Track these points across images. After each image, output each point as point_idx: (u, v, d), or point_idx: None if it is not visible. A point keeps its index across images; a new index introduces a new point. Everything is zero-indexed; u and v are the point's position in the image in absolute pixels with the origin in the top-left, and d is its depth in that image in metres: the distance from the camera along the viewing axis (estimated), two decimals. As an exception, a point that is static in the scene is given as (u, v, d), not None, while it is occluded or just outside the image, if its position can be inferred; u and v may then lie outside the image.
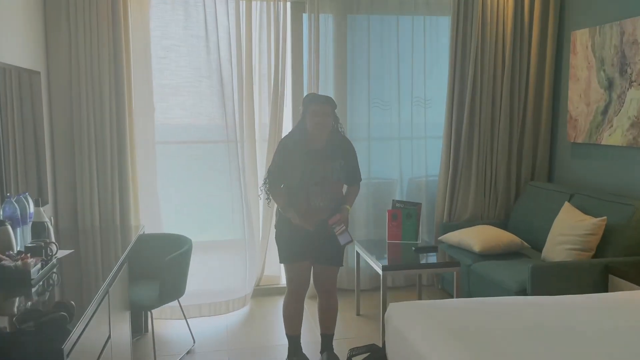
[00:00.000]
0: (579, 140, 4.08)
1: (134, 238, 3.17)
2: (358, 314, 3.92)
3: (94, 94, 3.60)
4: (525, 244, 3.83)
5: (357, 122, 4.27)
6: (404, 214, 3.80)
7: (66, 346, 1.60)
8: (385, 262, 3.33)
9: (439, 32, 4.37)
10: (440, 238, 4.15)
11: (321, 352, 3.12)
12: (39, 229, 2.65)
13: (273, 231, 4.15)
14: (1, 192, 2.66)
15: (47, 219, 2.70)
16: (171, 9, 3.79)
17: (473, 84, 4.25)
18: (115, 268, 2.52)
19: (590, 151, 4.02)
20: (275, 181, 2.95)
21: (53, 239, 2.58)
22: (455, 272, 3.29)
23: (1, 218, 2.44)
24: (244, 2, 3.93)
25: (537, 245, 3.88)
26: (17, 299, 2.04)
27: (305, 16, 4.13)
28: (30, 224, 2.61)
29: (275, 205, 3.11)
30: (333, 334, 3.13)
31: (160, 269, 3.07)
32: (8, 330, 1.73)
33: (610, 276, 3.12)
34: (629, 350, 1.97)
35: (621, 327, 2.18)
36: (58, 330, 1.67)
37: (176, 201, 4.02)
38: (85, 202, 3.62)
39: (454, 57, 4.22)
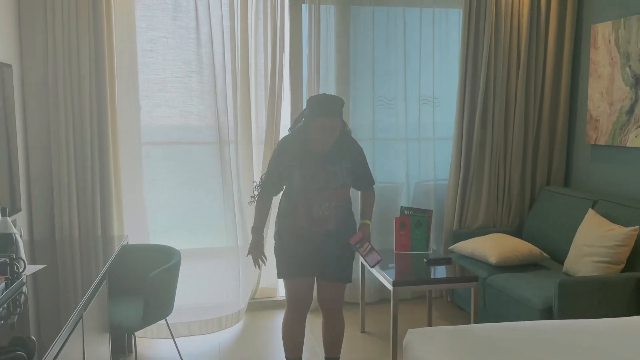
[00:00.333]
0: (601, 142, 3.78)
1: (116, 250, 2.83)
2: (363, 331, 3.59)
3: (72, 90, 3.26)
4: (545, 254, 3.53)
5: (361, 122, 3.96)
6: (413, 222, 3.49)
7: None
8: (396, 277, 3.00)
9: (449, 26, 4.06)
10: (451, 248, 3.83)
11: (325, 378, 2.80)
12: (5, 242, 2.31)
13: (269, 239, 3.89)
14: (-41, 200, 2.31)
15: (15, 230, 2.35)
16: (159, -3, 3.46)
17: (486, 81, 3.95)
18: (93, 287, 2.19)
19: (613, 154, 3.73)
20: (268, 190, 2.66)
21: (22, 254, 2.24)
22: (472, 288, 2.98)
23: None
24: (239, -9, 3.61)
25: (557, 256, 3.58)
26: (-33, 331, 1.70)
27: (305, 7, 3.81)
28: (-8, 237, 2.26)
29: (276, 214, 2.77)
30: (338, 358, 2.80)
31: (144, 284, 2.73)
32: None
33: (646, 292, 2.83)
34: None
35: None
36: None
37: (164, 208, 3.68)
38: (63, 210, 3.27)
39: (465, 52, 3.92)
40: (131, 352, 3.27)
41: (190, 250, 3.70)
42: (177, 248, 3.56)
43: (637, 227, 3.02)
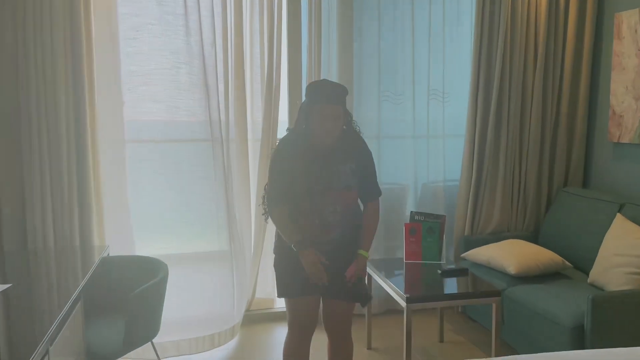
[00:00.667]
0: (625, 140, 3.49)
1: (93, 265, 2.50)
2: (369, 348, 3.28)
3: (45, 82, 2.90)
4: (567, 263, 3.23)
5: (365, 118, 3.63)
6: (425, 229, 3.18)
7: None
8: (410, 292, 2.69)
9: (460, 14, 3.75)
10: (463, 255, 3.53)
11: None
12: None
13: (266, 244, 3.60)
14: None
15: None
16: (143, -21, 3.11)
17: (501, 75, 3.64)
18: (63, 313, 1.87)
19: (639, 153, 3.44)
20: (278, 200, 2.30)
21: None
22: (494, 305, 2.67)
23: None
24: (232, -27, 3.27)
25: (580, 265, 3.29)
26: None
27: (304, -9, 3.48)
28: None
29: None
30: (346, 385, 2.49)
31: (126, 304, 2.40)
32: None
33: (689, 309, 2.54)
34: None
35: None
36: None
37: (150, 212, 3.33)
38: (36, 218, 2.92)
39: (479, 43, 3.61)
40: (113, 374, 2.94)
41: (179, 256, 3.37)
42: (165, 253, 3.26)
43: (675, 235, 2.73)
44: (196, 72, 3.18)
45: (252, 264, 3.61)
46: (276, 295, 2.44)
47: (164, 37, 3.10)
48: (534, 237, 3.72)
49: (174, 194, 3.32)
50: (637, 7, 3.39)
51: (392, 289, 2.82)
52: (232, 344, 3.36)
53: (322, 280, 2.24)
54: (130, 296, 2.36)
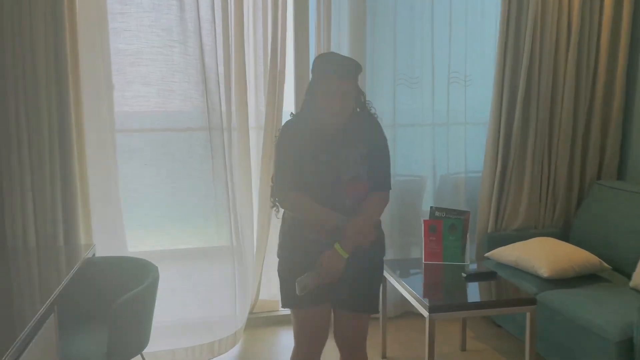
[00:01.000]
0: (668, 128, 3.14)
1: (73, 268, 2.21)
2: (384, 357, 2.98)
3: (24, 61, 2.59)
4: (605, 264, 2.90)
5: (379, 104, 3.14)
6: (446, 226, 2.85)
7: None
8: (432, 300, 2.37)
9: (485, -13, 3.41)
10: (487, 255, 3.20)
11: None
12: None
13: (271, 241, 3.29)
14: None
15: None
16: (132, -53, 2.78)
17: (530, 55, 3.29)
18: (33, 322, 1.59)
19: (686, 142, 3.09)
20: (291, 186, 1.98)
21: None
22: (528, 314, 2.35)
23: None
24: (232, -59, 2.94)
25: (620, 267, 2.96)
26: None
27: (312, -38, 3.15)
28: None
29: (280, 224, 2.13)
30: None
31: (109, 312, 2.10)
32: None
33: None
34: None
35: None
36: None
37: (143, 207, 3.02)
38: (15, 214, 2.62)
39: (506, 19, 3.26)
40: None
41: (174, 253, 3.09)
42: (160, 249, 3.02)
43: None
44: (192, 52, 2.86)
45: (256, 262, 3.31)
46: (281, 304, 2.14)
47: (155, 12, 2.77)
48: (564, 235, 3.39)
49: (167, 186, 3.01)
50: (685, -23, 3.02)
51: (411, 295, 2.51)
52: (234, 351, 3.07)
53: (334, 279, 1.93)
54: (114, 305, 2.07)
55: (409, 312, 3.41)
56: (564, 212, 3.50)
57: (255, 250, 3.30)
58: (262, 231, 3.26)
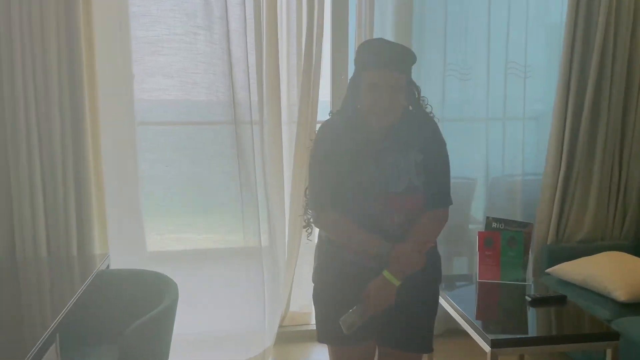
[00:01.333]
0: None
1: (86, 282, 1.96)
2: (429, 385, 2.64)
3: (33, 50, 2.34)
4: (691, 286, 2.49)
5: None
6: (505, 240, 2.49)
7: None
8: (494, 331, 2.02)
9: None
10: (548, 271, 2.83)
11: None
12: None
13: (303, 247, 3.00)
14: None
15: None
16: None
17: (603, 44, 2.87)
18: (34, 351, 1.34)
19: None
20: (326, 205, 1.66)
21: None
22: (609, 351, 1.98)
23: None
24: None
25: None
26: None
27: (353, -63, 2.80)
28: None
29: (316, 240, 1.82)
30: None
31: (120, 338, 1.84)
32: None
33: None
34: None
35: None
36: None
37: (164, 207, 2.76)
38: (24, 221, 2.40)
39: (575, 4, 2.84)
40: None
41: (195, 253, 2.84)
42: (181, 248, 2.76)
43: None
44: (218, 39, 2.55)
45: (287, 268, 3.01)
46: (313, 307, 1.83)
47: (177, -6, 2.47)
48: (635, 248, 2.98)
49: (190, 184, 2.74)
50: None
51: (464, 319, 2.18)
52: (261, 372, 2.79)
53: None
54: (125, 333, 1.80)
55: (453, 331, 3.05)
56: (634, 222, 3.09)
57: (286, 255, 3.00)
58: (293, 235, 2.96)
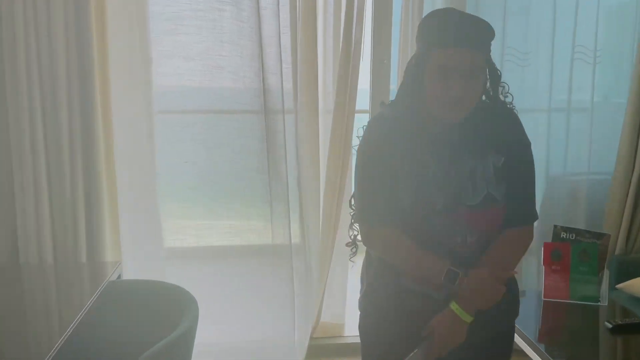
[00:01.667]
0: None
1: (92, 297, 1.69)
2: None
3: (37, 28, 2.06)
4: None
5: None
6: (576, 252, 2.15)
7: None
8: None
9: None
10: (619, 286, 2.46)
11: None
12: None
13: (338, 247, 2.70)
14: None
15: None
16: None
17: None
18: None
19: None
20: (378, 219, 1.35)
21: None
22: None
23: None
24: None
25: None
26: None
27: None
28: None
29: (363, 258, 1.51)
30: None
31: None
32: None
33: None
34: None
35: None
36: None
37: (184, 201, 2.48)
38: (29, 224, 2.14)
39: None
40: None
41: (216, 253, 2.58)
42: (202, 245, 2.49)
43: None
44: (246, 17, 2.24)
45: (320, 273, 2.71)
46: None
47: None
48: None
49: (213, 178, 2.45)
50: None
51: (530, 346, 1.86)
52: (291, 392, 2.51)
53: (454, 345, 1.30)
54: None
55: (518, 353, 2.71)
56: None
57: (318, 259, 2.69)
58: (327, 235, 2.64)
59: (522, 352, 1.93)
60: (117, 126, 2.26)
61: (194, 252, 2.59)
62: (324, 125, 2.64)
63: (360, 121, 2.77)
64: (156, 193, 2.38)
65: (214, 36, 2.22)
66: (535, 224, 1.40)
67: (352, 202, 1.44)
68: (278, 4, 2.26)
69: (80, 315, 1.62)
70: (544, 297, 2.17)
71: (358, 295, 1.49)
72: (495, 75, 1.32)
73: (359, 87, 2.54)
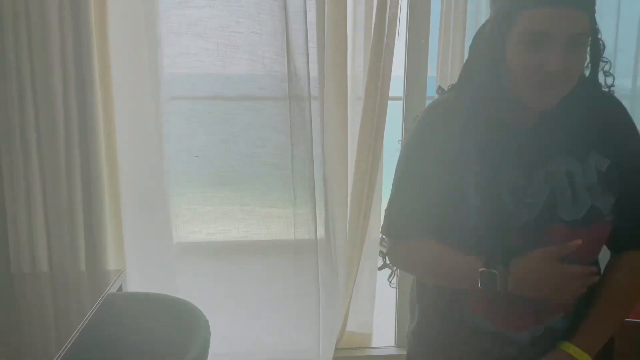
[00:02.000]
0: None
1: (89, 312, 1.45)
2: None
3: (27, 6, 1.79)
4: None
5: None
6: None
7: None
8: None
9: None
10: None
11: None
12: None
13: (366, 249, 2.42)
14: None
15: None
16: None
17: None
18: None
19: None
20: (409, 230, 1.08)
21: None
22: None
23: None
24: None
25: None
26: None
27: None
28: None
29: (415, 291, 1.23)
30: None
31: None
32: None
33: None
34: None
35: None
36: None
37: (197, 197, 2.20)
38: (21, 228, 1.89)
39: None
40: None
41: (232, 253, 2.31)
42: (216, 239, 2.21)
43: None
44: (266, -9, 1.94)
45: (347, 278, 2.44)
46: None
47: None
48: None
49: (230, 172, 2.16)
50: None
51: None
52: (315, 414, 2.26)
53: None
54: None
55: None
56: None
57: (345, 260, 2.41)
58: (354, 234, 2.36)
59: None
60: (119, 116, 1.98)
61: (206, 253, 2.35)
62: (353, 114, 2.36)
63: (394, 109, 2.48)
64: (165, 191, 2.11)
65: (229, 10, 1.92)
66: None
67: (387, 214, 1.16)
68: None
69: (76, 333, 1.38)
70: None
71: (407, 326, 1.21)
72: (597, 48, 1.01)
73: (392, 72, 2.23)
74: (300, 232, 2.25)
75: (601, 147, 1.02)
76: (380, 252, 1.18)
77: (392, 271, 1.19)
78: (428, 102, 2.44)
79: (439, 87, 1.18)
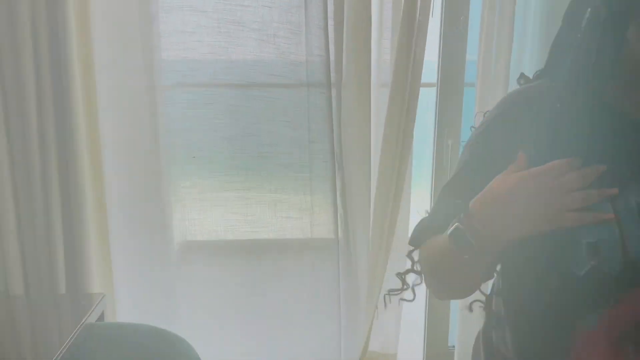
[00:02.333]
0: None
1: (62, 347, 1.17)
2: None
3: None
4: None
5: None
6: None
7: None
8: None
9: None
10: None
11: None
12: None
13: (391, 260, 2.14)
14: None
15: None
16: None
17: None
18: None
19: None
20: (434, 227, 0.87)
21: None
22: None
23: None
24: None
25: None
26: None
27: None
28: None
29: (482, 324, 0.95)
30: None
31: None
32: None
33: None
34: None
35: None
36: None
37: (202, 196, 1.92)
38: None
39: None
40: None
41: (242, 243, 2.02)
42: (224, 237, 1.91)
43: None
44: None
45: (369, 292, 2.16)
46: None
47: None
48: None
49: (240, 166, 1.87)
50: None
51: None
52: None
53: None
54: None
55: None
56: None
57: (367, 273, 2.13)
58: (377, 235, 2.07)
59: None
60: (103, 109, 1.70)
61: (210, 262, 2.09)
62: (377, 104, 2.06)
63: (425, 97, 2.18)
64: (160, 196, 1.82)
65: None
66: None
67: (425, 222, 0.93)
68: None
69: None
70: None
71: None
72: None
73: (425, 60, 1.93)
74: (315, 228, 1.97)
75: None
76: (411, 259, 0.97)
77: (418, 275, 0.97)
78: (466, 89, 2.16)
79: (522, 75, 0.89)
